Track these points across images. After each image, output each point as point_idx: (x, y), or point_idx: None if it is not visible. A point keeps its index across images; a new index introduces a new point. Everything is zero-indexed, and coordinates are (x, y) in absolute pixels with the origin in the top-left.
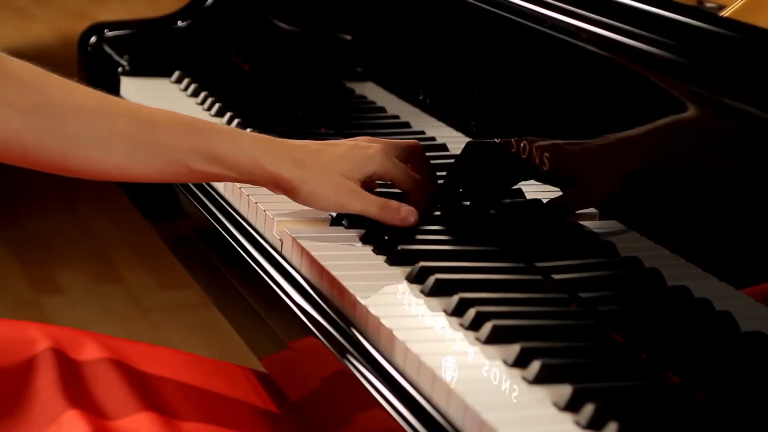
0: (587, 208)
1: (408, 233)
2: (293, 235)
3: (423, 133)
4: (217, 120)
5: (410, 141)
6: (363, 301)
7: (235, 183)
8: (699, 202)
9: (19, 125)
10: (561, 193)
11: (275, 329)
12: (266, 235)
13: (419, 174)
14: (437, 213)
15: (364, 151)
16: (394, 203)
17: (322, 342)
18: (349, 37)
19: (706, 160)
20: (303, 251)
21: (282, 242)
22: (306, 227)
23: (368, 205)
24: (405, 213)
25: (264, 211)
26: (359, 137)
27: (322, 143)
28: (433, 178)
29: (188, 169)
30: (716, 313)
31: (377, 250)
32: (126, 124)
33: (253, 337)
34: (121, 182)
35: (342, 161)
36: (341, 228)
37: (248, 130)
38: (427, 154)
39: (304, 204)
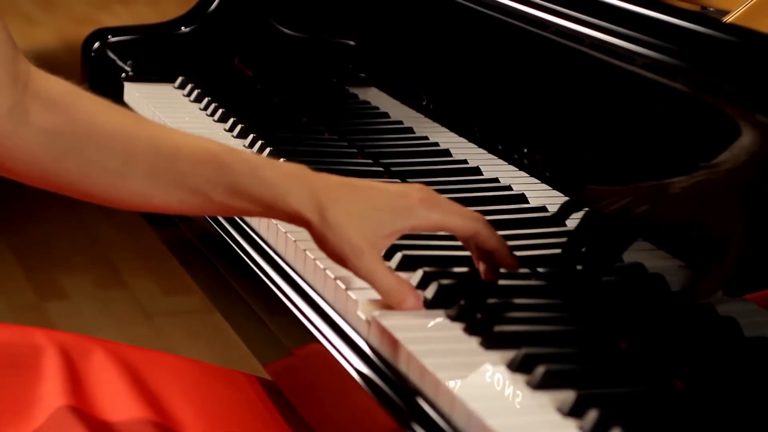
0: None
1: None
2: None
3: (426, 138)
4: (220, 125)
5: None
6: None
7: (252, 214)
8: (702, 207)
9: (39, 146)
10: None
11: (279, 336)
12: (270, 241)
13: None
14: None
15: (405, 202)
16: (405, 288)
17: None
18: (352, 43)
19: (708, 164)
20: (305, 255)
21: (285, 246)
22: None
23: (379, 279)
24: (410, 304)
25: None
26: (411, 185)
27: (358, 184)
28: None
29: (209, 201)
30: (720, 318)
31: None
32: (145, 149)
33: (258, 344)
34: None
35: (371, 215)
36: None
37: (251, 136)
38: (431, 159)
39: (317, 247)
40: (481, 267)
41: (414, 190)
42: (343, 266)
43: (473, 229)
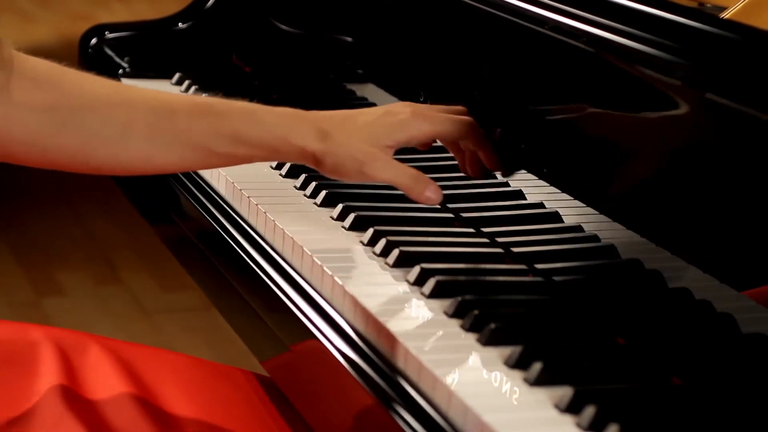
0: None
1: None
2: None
3: None
4: None
5: (454, 107)
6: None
7: (256, 159)
8: (699, 204)
9: (36, 124)
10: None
11: (277, 332)
12: (267, 238)
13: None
14: None
15: (396, 117)
16: (426, 177)
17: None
18: (349, 39)
19: (706, 161)
20: (303, 251)
21: (283, 243)
22: (307, 228)
23: (398, 174)
24: (431, 192)
25: (265, 212)
26: (395, 103)
27: (349, 112)
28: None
29: (212, 153)
30: (717, 314)
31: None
32: (144, 112)
33: (255, 341)
34: (123, 184)
35: (369, 129)
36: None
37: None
38: (427, 155)
39: (330, 176)
40: (468, 168)
41: (402, 105)
42: (361, 179)
43: (464, 132)
